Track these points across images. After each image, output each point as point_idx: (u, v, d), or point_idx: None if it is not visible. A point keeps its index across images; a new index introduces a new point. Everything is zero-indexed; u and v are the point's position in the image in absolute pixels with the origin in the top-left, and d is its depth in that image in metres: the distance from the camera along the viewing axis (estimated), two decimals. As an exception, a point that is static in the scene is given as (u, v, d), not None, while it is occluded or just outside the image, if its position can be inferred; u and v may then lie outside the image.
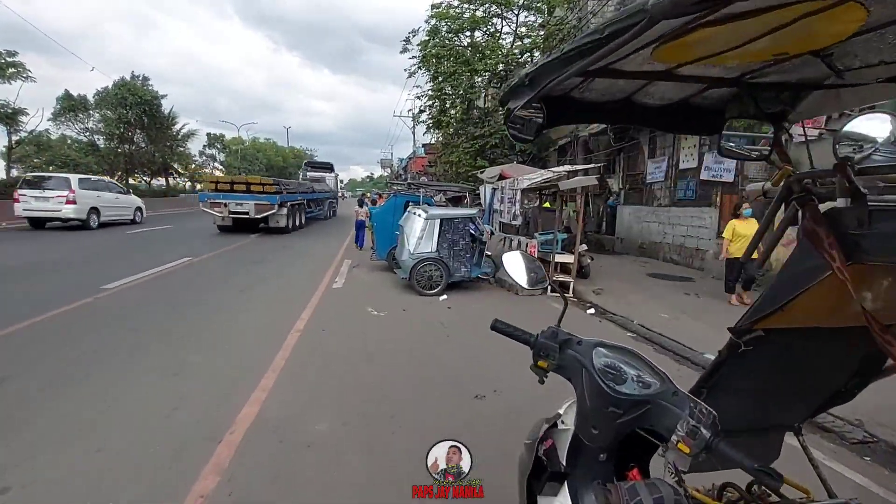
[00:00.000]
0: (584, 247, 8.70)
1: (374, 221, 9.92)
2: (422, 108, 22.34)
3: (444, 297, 7.57)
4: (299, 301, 7.22)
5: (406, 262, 7.75)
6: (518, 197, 12.05)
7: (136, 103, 25.99)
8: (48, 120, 25.89)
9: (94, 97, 26.75)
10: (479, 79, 20.58)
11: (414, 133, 55.89)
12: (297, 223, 18.01)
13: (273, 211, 15.79)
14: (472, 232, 8.43)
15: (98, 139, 28.10)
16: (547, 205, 12.35)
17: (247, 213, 15.72)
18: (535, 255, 8.11)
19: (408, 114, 50.45)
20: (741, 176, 9.68)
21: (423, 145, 56.87)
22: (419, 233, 7.69)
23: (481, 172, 16.78)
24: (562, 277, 8.39)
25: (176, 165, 38.73)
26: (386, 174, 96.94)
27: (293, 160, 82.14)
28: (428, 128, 23.03)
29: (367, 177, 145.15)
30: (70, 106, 25.98)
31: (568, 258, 8.39)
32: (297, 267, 10.47)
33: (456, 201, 16.67)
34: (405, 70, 22.44)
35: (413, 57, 21.49)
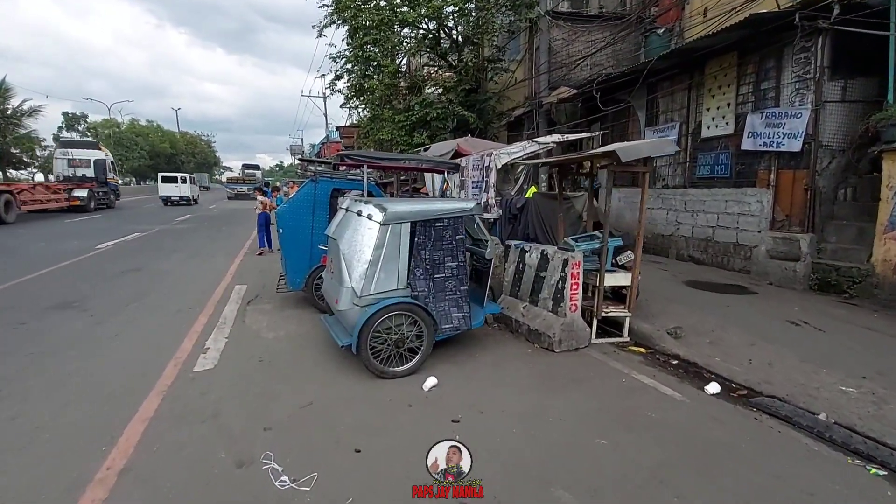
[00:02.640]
0: (630, 255, 5.34)
1: (280, 227, 5.74)
2: (338, 72, 17.81)
3: (432, 381, 3.75)
4: (97, 436, 3.02)
5: (348, 312, 3.81)
6: (492, 180, 8.46)
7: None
8: None
9: None
10: (411, 33, 16.55)
11: (326, 116, 50.07)
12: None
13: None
14: (471, 245, 4.74)
15: None
16: (531, 189, 8.88)
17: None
18: (580, 278, 4.57)
19: (321, 80, 44.69)
20: (815, 142, 6.87)
21: (338, 128, 51.50)
22: (370, 252, 3.78)
23: (424, 150, 12.95)
24: (613, 310, 4.96)
25: (17, 152, 30.09)
26: (296, 162, 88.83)
27: (185, 146, 71.76)
28: (347, 98, 18.57)
29: (277, 165, 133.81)
30: None
31: (623, 279, 4.95)
32: (139, 313, 6.01)
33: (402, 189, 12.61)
34: (313, 27, 17.70)
35: (323, 5, 16.85)
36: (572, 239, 5.10)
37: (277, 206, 12.38)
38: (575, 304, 4.61)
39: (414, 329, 3.93)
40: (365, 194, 5.63)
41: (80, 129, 43.98)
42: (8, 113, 27.74)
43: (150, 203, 29.71)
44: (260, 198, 11.34)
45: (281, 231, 5.69)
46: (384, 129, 15.40)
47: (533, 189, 8.66)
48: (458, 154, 10.14)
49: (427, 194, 15.00)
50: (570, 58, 14.77)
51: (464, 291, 4.27)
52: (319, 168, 5.94)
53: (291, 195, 6.11)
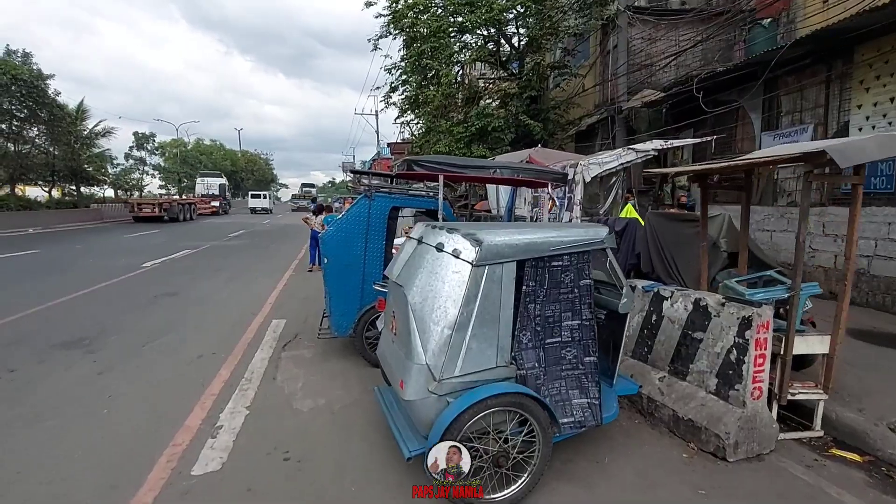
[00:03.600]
0: (810, 305, 3.64)
1: (325, 255, 4.47)
2: (393, 84, 16.95)
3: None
4: None
5: (419, 403, 2.40)
6: (578, 196, 6.94)
7: (7, 84, 19.28)
8: None
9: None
10: (472, 39, 15.43)
11: (378, 133, 50.13)
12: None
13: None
14: (599, 295, 3.25)
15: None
16: (628, 207, 7.25)
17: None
18: (768, 347, 2.96)
19: (373, 99, 45.04)
20: None
21: (389, 144, 51.53)
22: (457, 309, 2.39)
23: (488, 162, 11.57)
24: (803, 391, 3.28)
25: (90, 170, 31.59)
26: (349, 179, 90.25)
27: (245, 164, 74.77)
28: (402, 111, 17.67)
29: (329, 182, 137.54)
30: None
31: (818, 344, 3.28)
32: (153, 358, 4.91)
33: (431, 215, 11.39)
34: (368, 40, 17.01)
35: (380, 15, 16.11)
36: (735, 281, 3.49)
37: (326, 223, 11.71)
38: (759, 388, 3.00)
39: (522, 432, 2.47)
40: (440, 217, 4.30)
41: (148, 147, 46.34)
42: (84, 133, 29.16)
43: (212, 219, 30.25)
44: (310, 217, 10.92)
45: (326, 261, 4.43)
46: (441, 142, 14.22)
47: (629, 208, 7.04)
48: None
49: (488, 214, 13.59)
50: (651, 59, 13.09)
51: (590, 366, 2.77)
52: (374, 181, 4.62)
53: (343, 212, 4.87)
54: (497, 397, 2.35)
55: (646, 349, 3.77)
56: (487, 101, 16.59)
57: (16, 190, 25.59)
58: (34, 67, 21.56)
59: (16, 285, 8.22)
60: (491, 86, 16.90)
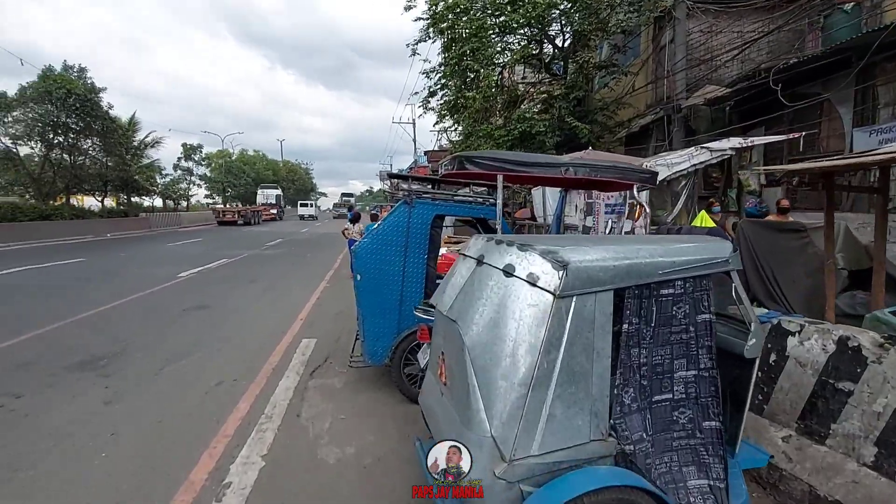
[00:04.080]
0: None
1: (357, 271, 3.86)
2: (432, 88, 16.47)
3: None
4: None
5: (483, 488, 1.70)
6: (644, 201, 6.11)
7: (63, 97, 20.10)
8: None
9: (16, 94, 20.96)
10: (513, 39, 14.76)
11: (415, 141, 50.22)
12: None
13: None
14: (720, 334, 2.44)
15: (19, 147, 22.15)
16: (701, 215, 6.33)
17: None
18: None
19: (410, 108, 45.09)
20: None
21: (426, 152, 51.49)
22: (533, 359, 1.67)
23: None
24: None
25: (139, 179, 32.82)
26: (386, 187, 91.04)
27: (286, 174, 76.61)
28: (440, 116, 17.14)
29: (367, 191, 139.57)
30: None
31: None
32: (169, 385, 4.44)
33: (479, 224, 10.75)
34: (407, 45, 16.62)
35: (419, 19, 15.68)
36: (890, 312, 2.62)
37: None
38: (956, 469, 2.13)
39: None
40: (499, 228, 3.62)
41: (195, 158, 48.08)
42: (134, 144, 30.34)
43: (248, 228, 30.78)
44: (346, 226, 10.93)
45: (358, 278, 3.82)
46: (481, 147, 13.55)
47: (703, 216, 6.13)
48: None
49: (532, 223, 12.76)
50: (711, 52, 12.00)
51: (712, 434, 2.01)
52: (414, 186, 3.99)
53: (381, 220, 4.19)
54: (597, 493, 1.63)
55: (760, 397, 2.94)
56: (528, 104, 15.87)
57: (72, 200, 26.77)
58: (88, 81, 22.44)
59: (52, 296, 8.11)
60: (532, 89, 16.16)
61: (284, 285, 9.41)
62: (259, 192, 44.04)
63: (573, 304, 1.75)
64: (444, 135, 31.44)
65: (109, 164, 27.58)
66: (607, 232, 7.28)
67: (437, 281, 4.35)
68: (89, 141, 25.35)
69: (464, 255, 2.25)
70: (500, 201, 3.61)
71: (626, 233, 6.59)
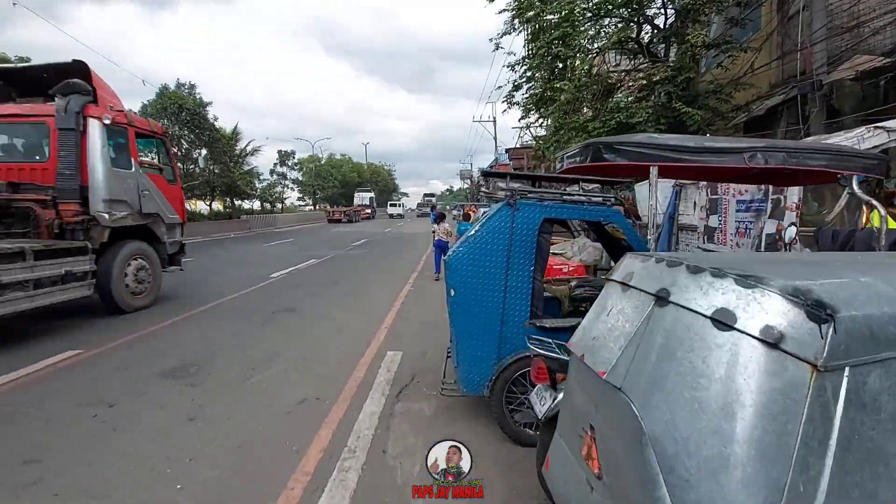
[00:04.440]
0: None
1: (451, 285, 3.28)
2: (517, 81, 15.68)
3: None
4: None
5: None
6: (795, 197, 4.93)
7: (176, 112, 22.19)
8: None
9: (138, 112, 23.58)
10: (608, 22, 13.53)
11: (496, 139, 49.39)
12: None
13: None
14: None
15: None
16: (874, 214, 4.99)
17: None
18: None
19: (495, 97, 44.31)
20: None
21: (507, 150, 50.46)
22: (782, 475, 0.95)
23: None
24: None
25: (241, 184, 35.54)
26: (465, 186, 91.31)
27: (370, 176, 79.57)
28: (526, 110, 16.31)
29: (447, 190, 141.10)
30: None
31: None
32: (249, 401, 4.19)
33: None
34: (490, 40, 15.94)
35: (503, 10, 14.95)
36: None
37: (459, 235, 10.48)
38: None
39: None
40: (652, 239, 2.87)
41: (289, 164, 51.42)
42: (236, 152, 32.86)
43: (339, 227, 32.03)
44: (432, 227, 10.89)
45: (452, 293, 3.26)
46: (573, 140, 12.52)
47: (877, 214, 4.78)
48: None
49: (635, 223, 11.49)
50: (857, 18, 9.97)
51: None
52: (513, 185, 3.34)
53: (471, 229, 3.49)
54: None
55: None
56: (622, 93, 14.51)
57: (191, 205, 29.56)
58: (197, 97, 24.55)
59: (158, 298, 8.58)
60: (627, 77, 14.74)
61: (368, 289, 9.22)
62: (356, 194, 51.48)
63: (845, 380, 1.01)
64: (528, 131, 30.38)
65: (216, 171, 30.11)
66: (740, 236, 6.10)
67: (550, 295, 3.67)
68: (199, 151, 27.84)
69: (624, 284, 1.55)
70: (655, 201, 2.78)
71: (768, 236, 5.40)
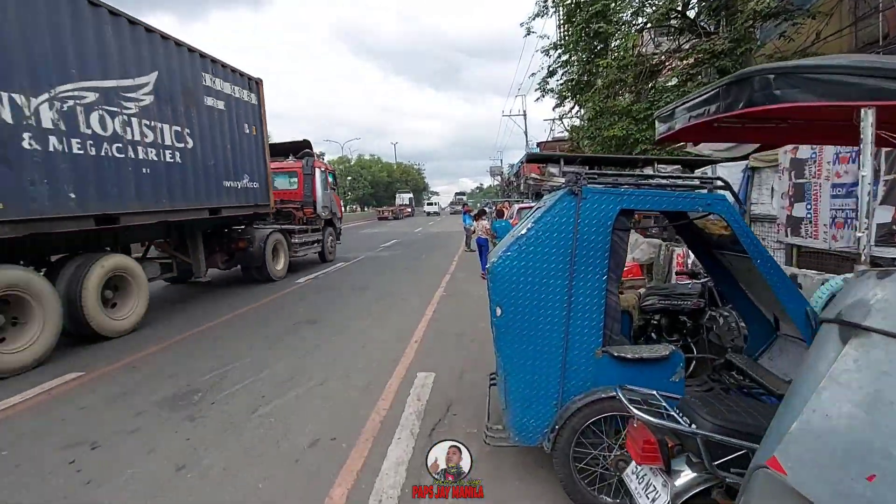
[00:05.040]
0: None
1: (496, 298, 2.51)
2: (551, 67, 14.67)
3: None
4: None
5: None
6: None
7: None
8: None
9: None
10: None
11: (526, 133, 47.90)
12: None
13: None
14: None
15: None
16: None
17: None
18: None
19: (529, 80, 42.80)
20: None
21: (539, 143, 49.09)
22: None
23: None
24: None
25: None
26: (496, 183, 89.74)
27: (400, 175, 79.46)
28: (561, 97, 15.25)
29: (477, 188, 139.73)
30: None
31: None
32: (255, 441, 3.50)
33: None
34: (521, 25, 14.96)
35: (536, -8, 13.97)
36: None
37: (496, 232, 9.87)
38: None
39: None
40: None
41: (319, 165, 51.90)
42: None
43: (372, 227, 31.70)
44: (469, 225, 11.69)
45: (498, 312, 2.48)
46: (616, 125, 11.46)
47: None
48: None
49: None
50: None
51: None
52: (569, 170, 2.71)
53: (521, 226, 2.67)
54: None
55: None
56: (666, 76, 13.26)
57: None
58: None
59: (180, 307, 8.16)
60: (671, 58, 13.46)
61: (397, 294, 8.53)
62: (397, 195, 58.32)
63: None
64: (560, 123, 29.05)
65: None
66: (837, 227, 5.03)
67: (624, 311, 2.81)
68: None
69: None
70: (869, 171, 1.77)
71: (880, 227, 4.35)
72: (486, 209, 13.91)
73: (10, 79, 4.73)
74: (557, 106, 16.33)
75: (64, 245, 5.99)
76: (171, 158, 6.95)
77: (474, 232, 11.19)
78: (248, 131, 9.35)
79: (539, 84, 15.28)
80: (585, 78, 13.11)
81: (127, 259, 6.51)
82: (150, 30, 6.64)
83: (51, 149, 5.10)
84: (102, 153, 5.74)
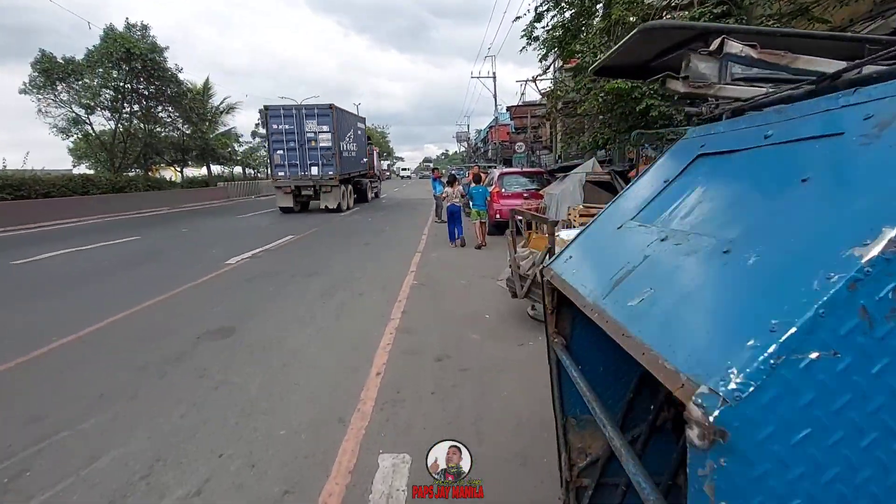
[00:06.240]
0: None
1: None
2: (538, 9, 12.50)
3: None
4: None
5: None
6: None
7: (124, 58, 18.54)
8: (19, 93, 19.35)
9: (83, 59, 19.77)
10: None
11: (496, 96, 45.26)
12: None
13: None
14: None
15: (94, 116, 21.41)
16: None
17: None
18: None
19: (516, 25, 40.22)
20: None
21: (509, 108, 46.79)
22: None
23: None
24: None
25: (217, 147, 32.14)
26: (462, 149, 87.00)
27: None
28: (548, 47, 13.15)
29: (442, 154, 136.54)
30: (47, 72, 18.86)
31: None
32: None
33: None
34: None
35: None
36: None
37: (472, 198, 9.63)
38: None
39: None
40: None
41: (273, 125, 47.59)
42: (208, 109, 29.32)
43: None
44: (445, 191, 10.33)
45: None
46: (611, 82, 9.56)
47: None
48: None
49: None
50: None
51: None
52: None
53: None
54: None
55: None
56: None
57: (152, 171, 26.35)
58: (150, 41, 20.85)
59: (58, 297, 5.91)
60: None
61: (353, 284, 6.55)
62: (396, 165, 69.30)
63: None
64: (534, 84, 26.91)
65: (187, 132, 26.71)
66: None
67: None
68: (166, 109, 24.32)
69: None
70: None
71: None
72: (456, 175, 12.36)
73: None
74: (542, 59, 14.25)
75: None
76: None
77: (446, 198, 9.81)
78: (364, 140, 22.26)
79: (524, 30, 13.09)
80: (583, 20, 11.07)
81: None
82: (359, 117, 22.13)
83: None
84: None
